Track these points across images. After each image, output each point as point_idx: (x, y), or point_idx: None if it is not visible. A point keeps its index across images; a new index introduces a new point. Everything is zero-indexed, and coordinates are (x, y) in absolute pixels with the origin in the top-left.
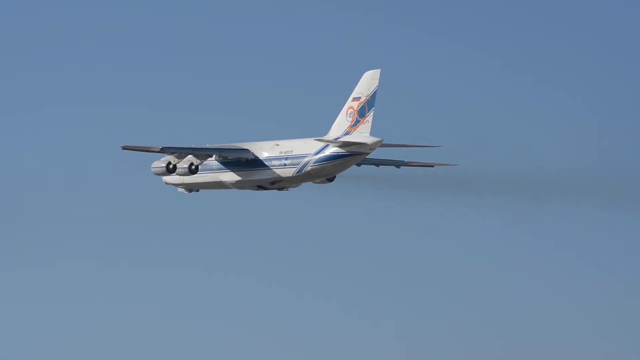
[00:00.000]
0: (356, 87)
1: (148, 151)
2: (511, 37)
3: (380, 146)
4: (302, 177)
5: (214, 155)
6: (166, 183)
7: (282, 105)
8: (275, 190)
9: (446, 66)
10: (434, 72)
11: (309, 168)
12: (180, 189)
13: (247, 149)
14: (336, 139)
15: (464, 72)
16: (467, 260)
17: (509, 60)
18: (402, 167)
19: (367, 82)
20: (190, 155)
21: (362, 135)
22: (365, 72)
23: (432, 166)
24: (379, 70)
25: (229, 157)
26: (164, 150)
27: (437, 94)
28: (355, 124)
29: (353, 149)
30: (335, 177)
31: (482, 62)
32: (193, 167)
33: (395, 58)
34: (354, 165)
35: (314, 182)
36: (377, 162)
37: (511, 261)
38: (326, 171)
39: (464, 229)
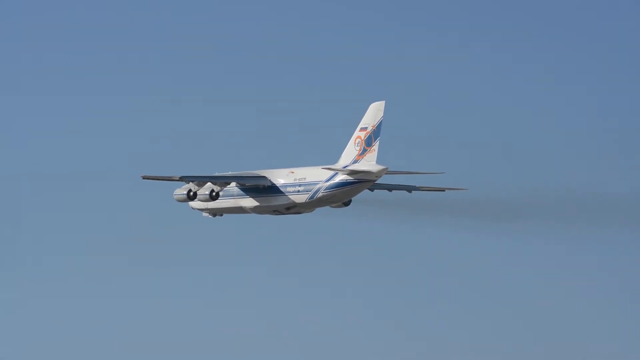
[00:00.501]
0: (363, 118)
1: (168, 180)
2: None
3: (386, 173)
4: (315, 202)
5: (232, 182)
6: (192, 208)
7: (295, 132)
8: (293, 215)
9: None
10: (436, 99)
11: (320, 194)
12: (205, 214)
13: (264, 176)
14: (344, 167)
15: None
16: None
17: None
18: (413, 191)
19: (373, 113)
20: (209, 183)
21: (369, 163)
22: (371, 103)
23: (444, 190)
24: (383, 102)
25: (247, 184)
26: (183, 179)
27: (440, 121)
28: (363, 152)
29: (360, 176)
30: (351, 201)
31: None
32: (214, 193)
33: (399, 88)
34: (368, 190)
35: (331, 207)
36: (390, 188)
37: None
38: (337, 197)
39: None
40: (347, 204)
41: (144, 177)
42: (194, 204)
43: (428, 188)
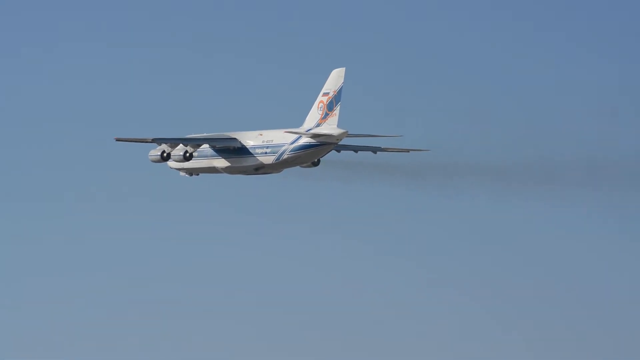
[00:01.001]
0: (325, 83)
1: (141, 142)
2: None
3: (347, 136)
4: (281, 164)
5: (205, 144)
6: (170, 167)
7: (262, 96)
8: (261, 175)
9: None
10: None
11: (285, 156)
12: (182, 173)
13: (235, 138)
14: (307, 130)
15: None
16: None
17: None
18: (378, 152)
19: (335, 79)
20: (181, 145)
21: (330, 127)
22: (333, 69)
23: (408, 151)
24: (344, 69)
25: (217, 146)
26: (155, 141)
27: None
28: (325, 116)
29: (322, 139)
30: (319, 161)
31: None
32: (187, 154)
33: (360, 54)
34: (335, 151)
35: (301, 167)
36: (355, 149)
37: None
38: (302, 159)
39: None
40: (315, 164)
41: (117, 139)
42: (172, 163)
43: (392, 149)
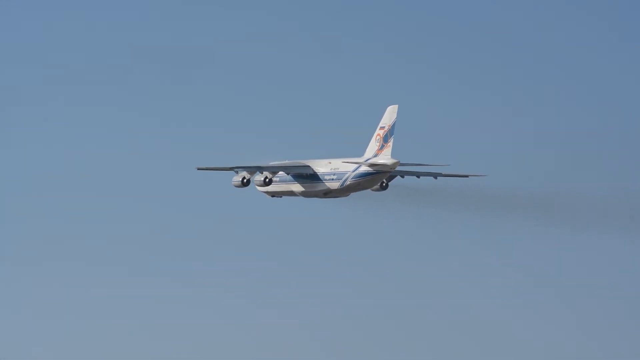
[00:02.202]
0: (382, 118)
1: (221, 170)
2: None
3: (401, 165)
4: (345, 189)
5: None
6: (258, 190)
7: (328, 128)
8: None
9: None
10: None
11: (348, 182)
12: (268, 196)
13: (308, 166)
14: (366, 160)
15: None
16: None
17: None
18: (438, 177)
19: (389, 114)
20: (264, 171)
21: (385, 157)
22: (388, 106)
23: (467, 177)
24: (397, 106)
25: (291, 173)
26: (233, 169)
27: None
28: (381, 148)
29: (378, 168)
30: (388, 185)
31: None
32: (267, 179)
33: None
34: (400, 177)
35: (371, 190)
36: (418, 174)
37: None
38: (362, 185)
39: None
40: (384, 187)
41: (199, 169)
42: (259, 188)
43: (452, 174)
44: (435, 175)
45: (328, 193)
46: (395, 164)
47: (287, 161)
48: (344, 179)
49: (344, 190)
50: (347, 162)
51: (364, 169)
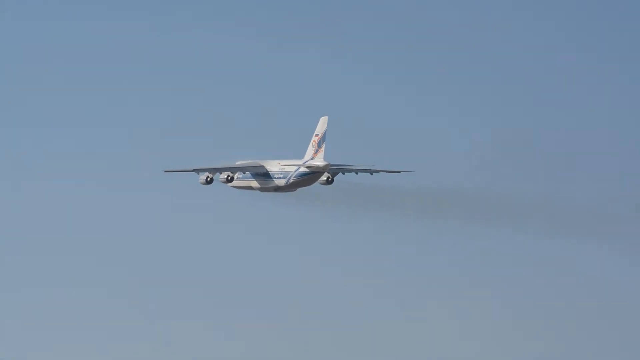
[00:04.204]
0: (317, 127)
1: (185, 171)
2: None
3: (331, 167)
4: (290, 185)
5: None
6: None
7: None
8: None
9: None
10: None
11: (292, 180)
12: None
13: (262, 165)
14: (304, 162)
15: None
16: None
17: None
18: (374, 174)
19: (321, 124)
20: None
21: (318, 159)
22: (320, 117)
23: (399, 172)
24: (327, 117)
25: (246, 172)
26: (195, 171)
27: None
28: (317, 152)
29: (313, 168)
30: (333, 180)
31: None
32: (229, 177)
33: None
34: (341, 173)
35: (320, 183)
36: (356, 171)
37: None
38: (302, 183)
39: None
40: (330, 182)
41: (166, 171)
42: (223, 183)
43: (386, 170)
44: (371, 171)
45: (278, 189)
46: (326, 166)
47: (247, 161)
48: (288, 177)
49: (290, 187)
50: (286, 165)
51: (302, 169)
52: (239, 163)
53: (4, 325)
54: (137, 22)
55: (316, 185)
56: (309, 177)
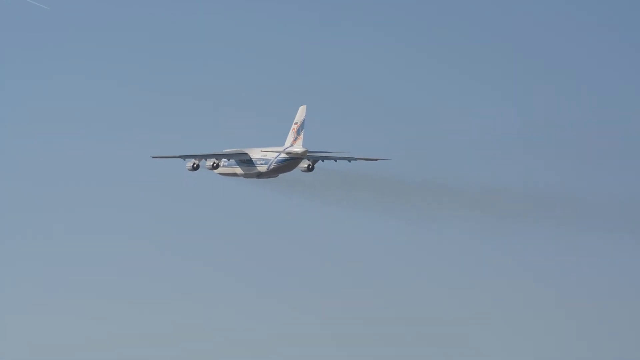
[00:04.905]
0: (296, 115)
1: (172, 157)
2: None
3: (310, 152)
4: (271, 171)
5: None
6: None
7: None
8: (265, 179)
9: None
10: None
11: (272, 166)
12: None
13: (246, 153)
14: (285, 149)
15: None
16: None
17: None
18: (352, 161)
19: (300, 113)
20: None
21: (297, 146)
22: (300, 105)
23: (376, 160)
24: (305, 106)
25: (231, 159)
26: (182, 157)
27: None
28: (296, 139)
29: (292, 155)
30: (314, 167)
31: None
32: (214, 164)
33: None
34: (321, 161)
35: (301, 171)
36: (335, 158)
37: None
38: (282, 169)
39: None
40: (311, 169)
41: (153, 157)
42: (209, 169)
43: (363, 158)
44: (349, 159)
45: (260, 175)
46: (304, 152)
47: (232, 149)
48: (269, 163)
49: (271, 172)
50: (267, 152)
51: (282, 156)
52: (220, 152)
53: None
54: None
55: (297, 172)
56: (289, 162)
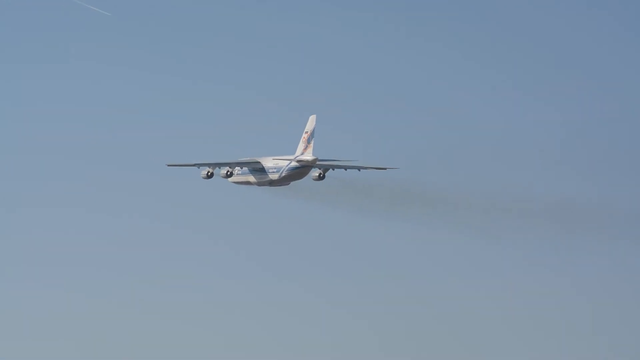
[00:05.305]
0: (307, 124)
1: (186, 166)
2: None
3: (319, 161)
4: (283, 179)
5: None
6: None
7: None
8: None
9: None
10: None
11: (284, 174)
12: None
13: (259, 162)
14: (295, 157)
15: None
16: None
17: None
18: (362, 170)
19: (311, 122)
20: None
21: (307, 154)
22: (310, 115)
23: (385, 169)
24: (315, 115)
25: (244, 167)
26: (196, 165)
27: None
28: (306, 147)
29: (302, 163)
30: (325, 176)
31: None
32: (228, 172)
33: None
34: (331, 170)
35: (313, 179)
36: (345, 167)
37: None
38: (293, 177)
39: None
40: (322, 178)
41: (169, 165)
42: (223, 178)
43: (372, 167)
44: (359, 168)
45: (272, 182)
46: (314, 160)
47: (245, 158)
48: (281, 171)
49: (283, 180)
50: (279, 160)
51: (293, 163)
52: (234, 160)
53: None
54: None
55: (309, 180)
56: (299, 170)
